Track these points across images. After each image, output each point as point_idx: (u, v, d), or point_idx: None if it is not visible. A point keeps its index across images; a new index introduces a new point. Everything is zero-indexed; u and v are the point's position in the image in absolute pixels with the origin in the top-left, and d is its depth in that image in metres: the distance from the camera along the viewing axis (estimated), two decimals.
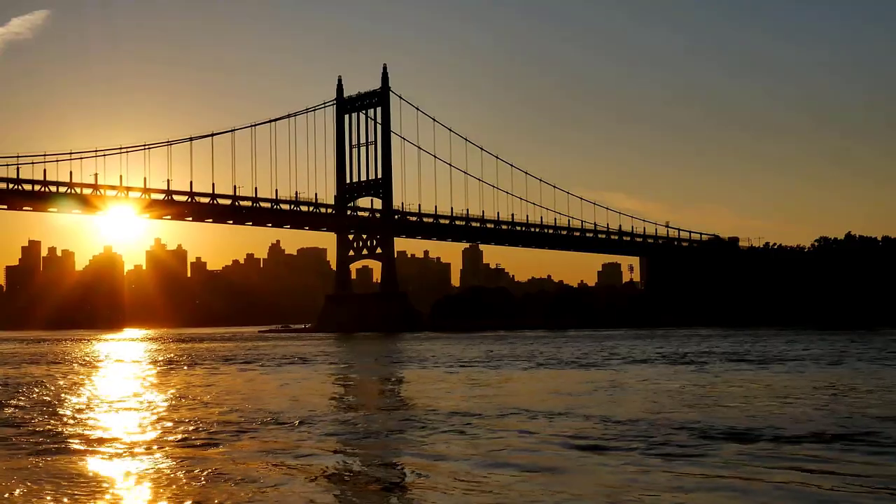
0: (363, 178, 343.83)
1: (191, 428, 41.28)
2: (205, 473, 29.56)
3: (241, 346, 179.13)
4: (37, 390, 67.62)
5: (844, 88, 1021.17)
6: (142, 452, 34.54)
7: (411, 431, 39.13)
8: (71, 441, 37.55)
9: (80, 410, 50.88)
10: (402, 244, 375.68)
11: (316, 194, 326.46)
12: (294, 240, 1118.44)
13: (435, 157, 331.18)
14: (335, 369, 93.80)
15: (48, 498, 26.24)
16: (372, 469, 30.59)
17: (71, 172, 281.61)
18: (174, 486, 27.60)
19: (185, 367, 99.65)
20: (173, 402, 55.19)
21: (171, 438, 37.99)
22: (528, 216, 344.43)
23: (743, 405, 46.71)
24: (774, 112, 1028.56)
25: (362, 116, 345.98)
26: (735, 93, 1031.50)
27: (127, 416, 47.33)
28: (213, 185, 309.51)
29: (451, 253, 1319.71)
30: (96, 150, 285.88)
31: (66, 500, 26.08)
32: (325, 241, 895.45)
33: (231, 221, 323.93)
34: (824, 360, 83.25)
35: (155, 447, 35.61)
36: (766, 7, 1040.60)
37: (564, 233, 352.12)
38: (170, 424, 42.78)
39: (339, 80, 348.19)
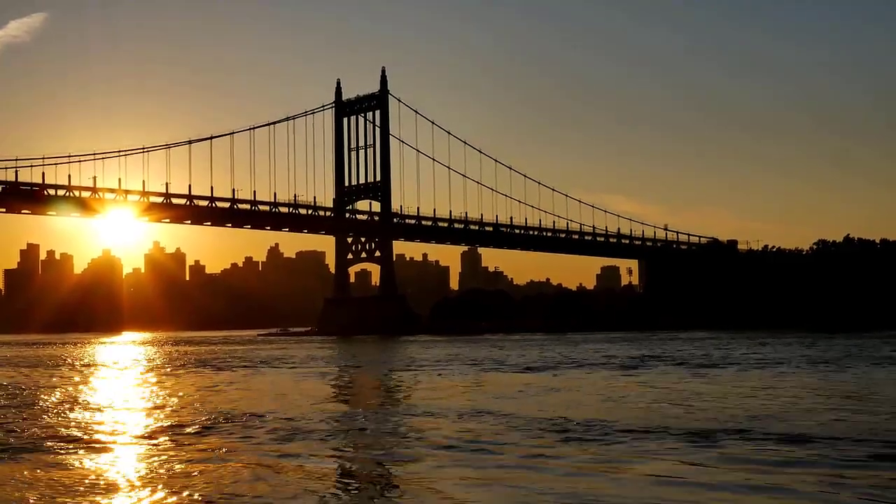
0: (362, 181, 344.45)
1: (176, 429, 41.14)
2: (189, 473, 29.52)
3: (238, 350, 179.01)
4: (24, 393, 67.54)
5: (844, 90, 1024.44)
6: (121, 453, 34.50)
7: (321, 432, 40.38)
8: (57, 442, 37.44)
9: (66, 413, 50.73)
10: (400, 247, 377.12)
11: (315, 197, 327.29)
12: (293, 243, 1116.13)
13: (434, 159, 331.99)
14: (307, 373, 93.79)
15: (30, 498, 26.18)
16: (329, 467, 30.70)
17: (69, 175, 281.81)
18: (160, 486, 27.51)
19: (181, 370, 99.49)
20: (162, 404, 55.04)
21: (154, 439, 37.87)
22: (526, 219, 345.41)
23: (639, 405, 49.11)
24: (774, 114, 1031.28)
25: (361, 119, 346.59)
26: (735, 95, 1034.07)
27: (114, 418, 47.20)
28: (212, 188, 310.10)
29: (449, 256, 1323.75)
30: (95, 153, 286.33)
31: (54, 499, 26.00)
32: (324, 244, 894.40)
33: (230, 224, 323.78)
34: (771, 364, 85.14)
35: (138, 448, 35.51)
36: (766, 8, 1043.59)
37: (563, 236, 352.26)
38: (154, 425, 42.65)
39: (338, 83, 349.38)
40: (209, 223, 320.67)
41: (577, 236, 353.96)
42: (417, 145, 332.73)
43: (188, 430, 41.53)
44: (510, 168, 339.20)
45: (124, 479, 29.29)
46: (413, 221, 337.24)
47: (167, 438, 38.84)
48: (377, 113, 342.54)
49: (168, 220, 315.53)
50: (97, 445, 36.93)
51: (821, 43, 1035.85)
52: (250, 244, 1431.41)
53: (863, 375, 68.48)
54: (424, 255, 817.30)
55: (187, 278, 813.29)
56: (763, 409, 45.70)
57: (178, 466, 31.49)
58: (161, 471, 30.67)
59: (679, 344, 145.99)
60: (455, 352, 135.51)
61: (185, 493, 26.71)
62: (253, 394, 64.60)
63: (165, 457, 33.74)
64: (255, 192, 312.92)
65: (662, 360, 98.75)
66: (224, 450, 35.09)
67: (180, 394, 64.50)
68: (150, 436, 39.77)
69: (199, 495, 26.41)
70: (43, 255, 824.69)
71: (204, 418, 46.02)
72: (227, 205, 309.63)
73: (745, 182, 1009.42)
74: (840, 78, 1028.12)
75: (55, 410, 52.63)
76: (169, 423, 44.32)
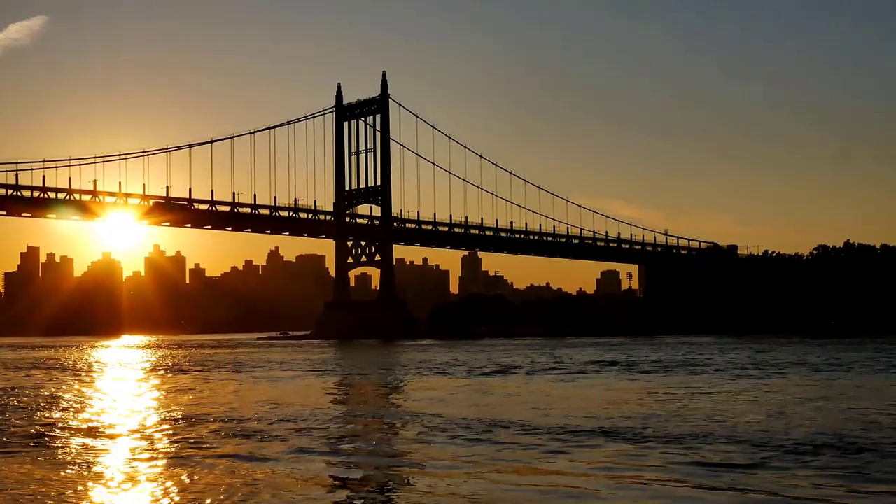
0: (362, 185, 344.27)
1: (175, 433, 41.26)
2: (188, 476, 29.60)
3: (237, 353, 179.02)
4: (16, 396, 67.58)
5: (845, 94, 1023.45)
6: (122, 456, 34.49)
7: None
8: (54, 441, 37.44)
9: (59, 413, 50.71)
10: (400, 251, 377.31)
11: (315, 201, 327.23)
12: (293, 247, 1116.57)
13: (434, 164, 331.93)
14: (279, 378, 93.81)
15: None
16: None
17: (70, 179, 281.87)
18: (163, 490, 27.55)
19: (179, 374, 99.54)
20: (160, 408, 55.06)
21: (156, 443, 37.90)
22: (526, 223, 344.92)
23: (562, 406, 53.30)
24: (774, 118, 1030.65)
25: (362, 123, 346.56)
26: (735, 99, 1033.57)
27: (100, 420, 47.18)
28: (212, 191, 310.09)
29: (449, 260, 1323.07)
30: (95, 157, 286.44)
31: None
32: (324, 248, 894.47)
33: (230, 228, 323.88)
34: (716, 369, 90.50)
35: (139, 451, 35.55)
36: (765, 11, 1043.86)
37: (563, 240, 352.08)
38: (155, 430, 42.68)
39: (339, 87, 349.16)
40: (209, 227, 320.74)
41: (577, 241, 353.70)
42: (418, 149, 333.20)
43: (170, 432, 41.86)
44: (510, 172, 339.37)
45: (105, 480, 29.37)
46: (413, 226, 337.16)
47: (147, 441, 39.08)
48: (377, 117, 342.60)
49: (168, 224, 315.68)
50: (82, 445, 36.93)
51: (821, 47, 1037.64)
52: (250, 248, 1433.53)
53: (791, 379, 73.50)
54: (424, 260, 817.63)
55: (187, 282, 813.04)
56: (660, 410, 49.22)
57: (154, 468, 31.78)
58: (140, 473, 30.81)
59: (664, 349, 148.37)
60: (443, 357, 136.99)
61: (162, 495, 26.95)
62: (241, 396, 64.87)
63: (144, 459, 33.96)
64: (255, 195, 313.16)
65: (627, 364, 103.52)
66: (208, 452, 35.29)
67: (169, 397, 64.59)
68: (132, 439, 39.78)
69: (181, 497, 26.47)
70: (43, 258, 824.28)
71: (193, 421, 46.05)
72: (227, 208, 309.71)
73: (745, 187, 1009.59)
74: (840, 82, 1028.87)
75: (42, 411, 52.58)
76: (150, 426, 44.46)
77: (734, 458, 32.45)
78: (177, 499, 26.78)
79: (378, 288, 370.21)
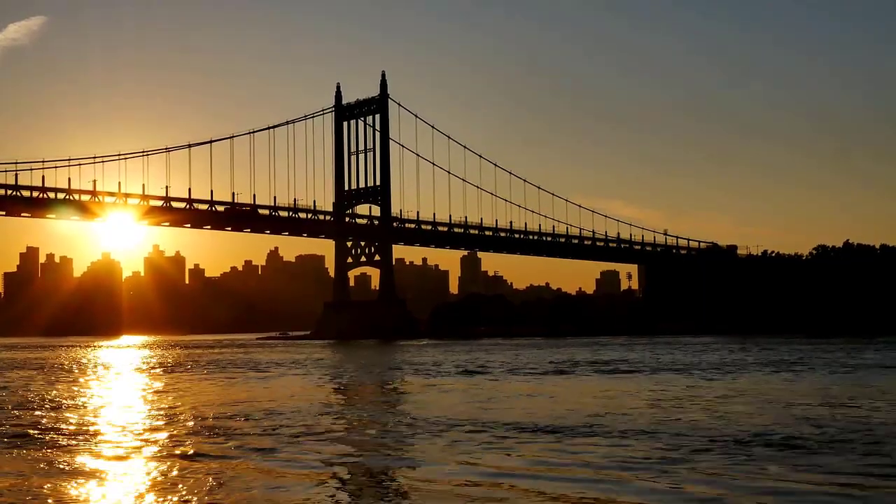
0: (362, 185, 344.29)
1: (178, 433, 41.28)
2: (188, 477, 29.60)
3: (235, 354, 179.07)
4: (7, 396, 67.65)
5: (844, 95, 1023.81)
6: (125, 456, 34.49)
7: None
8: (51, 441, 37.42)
9: (58, 414, 50.67)
10: (400, 251, 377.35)
11: (314, 201, 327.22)
12: (292, 247, 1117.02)
13: (433, 164, 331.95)
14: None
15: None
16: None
17: (69, 179, 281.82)
18: (167, 490, 27.55)
19: (175, 374, 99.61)
20: (160, 408, 55.06)
21: (158, 444, 37.90)
22: (526, 224, 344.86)
23: (517, 406, 55.56)
24: (774, 119, 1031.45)
25: (361, 123, 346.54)
26: (734, 100, 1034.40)
27: (112, 422, 47.15)
28: (212, 191, 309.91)
29: (449, 260, 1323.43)
30: (95, 157, 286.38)
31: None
32: (324, 248, 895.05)
33: (229, 228, 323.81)
34: (696, 369, 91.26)
35: (142, 451, 35.56)
36: (765, 13, 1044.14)
37: (563, 240, 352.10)
38: (156, 430, 42.66)
39: (338, 87, 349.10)
40: (209, 227, 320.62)
41: (576, 241, 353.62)
42: (417, 149, 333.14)
43: (157, 432, 42.01)
44: (510, 173, 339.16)
45: (84, 480, 29.46)
46: (413, 226, 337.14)
47: (129, 441, 39.13)
48: (377, 117, 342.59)
49: (168, 224, 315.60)
50: (62, 445, 36.90)
51: (820, 47, 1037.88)
52: (250, 248, 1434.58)
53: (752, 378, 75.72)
54: (424, 260, 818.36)
55: (187, 282, 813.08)
56: (608, 408, 51.16)
57: (134, 468, 31.86)
58: (118, 473, 30.87)
59: (655, 349, 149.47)
60: (435, 357, 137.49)
61: (142, 494, 27.00)
62: (232, 396, 65.05)
63: (124, 458, 34.01)
64: (254, 195, 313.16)
65: (606, 363, 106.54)
66: (192, 450, 35.59)
67: (160, 397, 64.69)
68: (115, 439, 39.77)
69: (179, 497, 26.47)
70: (42, 259, 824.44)
71: (182, 422, 46.14)
72: (226, 209, 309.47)
73: (744, 187, 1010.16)
74: (840, 82, 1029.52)
75: (28, 412, 52.53)
76: (135, 426, 44.57)
77: (657, 453, 33.52)
78: (160, 498, 26.72)
79: (378, 288, 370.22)
